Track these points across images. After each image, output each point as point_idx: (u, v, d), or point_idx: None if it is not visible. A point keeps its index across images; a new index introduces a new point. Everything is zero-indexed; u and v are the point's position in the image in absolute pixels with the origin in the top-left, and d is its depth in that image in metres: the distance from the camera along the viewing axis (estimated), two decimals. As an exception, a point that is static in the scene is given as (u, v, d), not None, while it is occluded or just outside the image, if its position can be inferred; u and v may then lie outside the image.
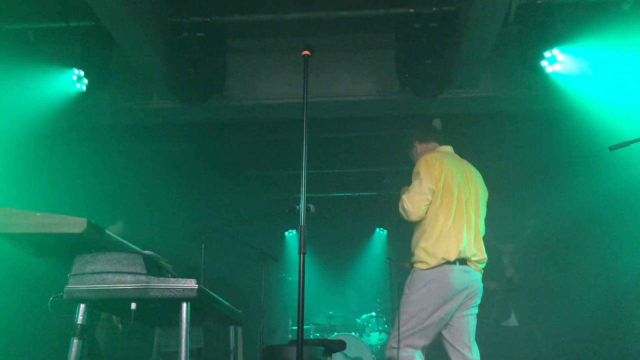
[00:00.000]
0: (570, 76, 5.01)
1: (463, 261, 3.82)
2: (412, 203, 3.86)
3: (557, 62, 4.96)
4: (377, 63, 5.77)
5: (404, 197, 3.93)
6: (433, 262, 3.79)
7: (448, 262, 3.78)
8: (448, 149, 4.33)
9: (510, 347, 6.01)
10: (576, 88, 5.08)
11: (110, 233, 2.44)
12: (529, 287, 6.11)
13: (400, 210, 3.93)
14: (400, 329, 3.76)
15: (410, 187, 3.94)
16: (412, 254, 3.96)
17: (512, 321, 6.08)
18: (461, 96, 5.71)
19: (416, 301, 3.79)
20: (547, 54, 4.93)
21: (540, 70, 5.00)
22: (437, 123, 4.67)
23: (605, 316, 6.34)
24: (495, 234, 6.44)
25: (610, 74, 4.99)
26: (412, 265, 3.94)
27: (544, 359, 6.19)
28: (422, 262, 3.84)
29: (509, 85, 5.69)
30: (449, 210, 3.88)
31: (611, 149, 3.28)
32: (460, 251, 3.81)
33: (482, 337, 6.33)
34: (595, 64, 4.96)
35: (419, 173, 3.93)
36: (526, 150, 6.80)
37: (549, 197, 6.95)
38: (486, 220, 6.61)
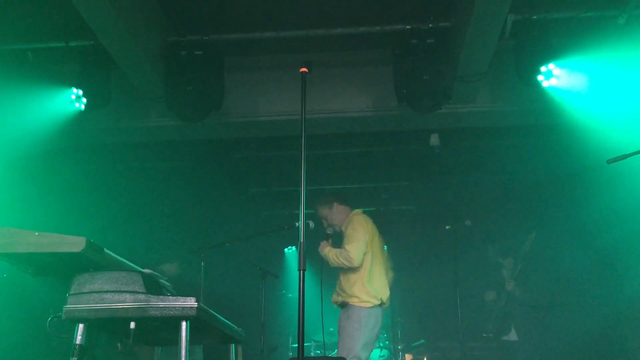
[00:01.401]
0: (566, 90, 5.04)
1: (384, 303, 4.86)
2: (357, 253, 4.68)
3: (554, 76, 4.98)
4: (374, 79, 5.80)
5: (347, 247, 4.70)
6: (373, 302, 4.73)
7: (381, 304, 4.79)
8: (360, 211, 5.13)
9: None
10: (573, 102, 5.10)
11: (110, 253, 2.44)
12: (529, 301, 6.08)
13: (341, 260, 4.70)
14: None
15: (351, 240, 4.74)
16: (345, 293, 4.78)
17: (512, 335, 6.04)
18: (458, 111, 5.73)
19: (357, 337, 4.63)
20: (543, 68, 4.96)
21: (537, 84, 5.02)
22: (434, 138, 4.73)
23: (607, 331, 6.32)
24: (494, 248, 6.44)
25: (607, 88, 5.02)
26: (344, 303, 4.80)
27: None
28: (363, 301, 4.71)
29: (505, 99, 5.71)
30: (378, 259, 4.90)
31: (609, 162, 3.29)
32: (387, 296, 4.87)
33: (482, 352, 6.32)
34: (592, 78, 4.99)
35: (355, 229, 4.78)
36: (524, 164, 6.81)
37: (548, 211, 6.95)
38: (486, 233, 6.62)
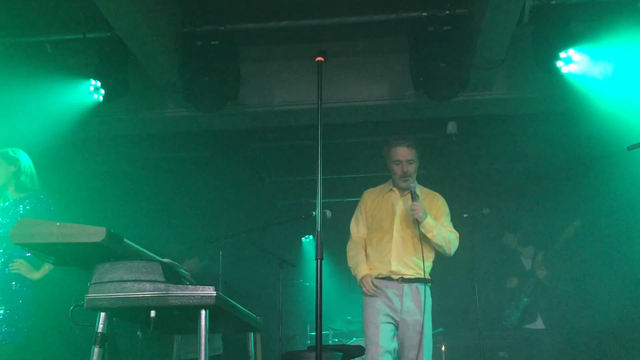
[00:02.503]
0: (586, 76, 4.97)
1: None
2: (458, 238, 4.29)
3: (573, 62, 4.91)
4: (390, 67, 5.76)
5: (454, 235, 4.26)
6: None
7: None
8: None
9: (535, 351, 5.92)
10: (593, 88, 5.03)
11: (130, 242, 2.46)
12: (557, 290, 6.01)
13: (450, 242, 4.23)
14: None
15: (449, 226, 4.31)
16: (421, 269, 4.17)
17: (538, 324, 5.98)
18: (476, 99, 5.68)
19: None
20: (562, 54, 4.89)
21: (556, 71, 4.95)
22: (452, 126, 4.68)
23: (636, 321, 6.20)
24: (514, 236, 6.39)
25: (627, 73, 4.93)
26: (426, 281, 4.20)
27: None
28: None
29: (524, 87, 5.65)
30: None
31: (629, 149, 3.24)
32: None
33: (502, 340, 6.28)
34: (612, 63, 4.91)
35: (448, 211, 4.39)
36: (542, 152, 6.74)
37: (568, 200, 6.88)
38: (504, 222, 6.56)
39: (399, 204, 4.34)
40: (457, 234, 4.26)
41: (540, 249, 6.06)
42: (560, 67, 4.93)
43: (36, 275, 4.16)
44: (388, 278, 4.16)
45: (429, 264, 4.22)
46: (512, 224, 6.57)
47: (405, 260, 4.16)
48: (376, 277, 4.21)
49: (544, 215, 6.81)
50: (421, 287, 4.13)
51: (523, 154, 7.04)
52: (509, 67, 5.52)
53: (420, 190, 4.29)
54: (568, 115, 5.88)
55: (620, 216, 6.25)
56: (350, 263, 4.36)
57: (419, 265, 4.15)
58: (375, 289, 4.15)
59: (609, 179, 5.98)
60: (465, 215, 5.62)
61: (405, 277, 4.13)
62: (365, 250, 4.34)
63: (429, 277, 4.21)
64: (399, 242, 4.20)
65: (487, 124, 6.52)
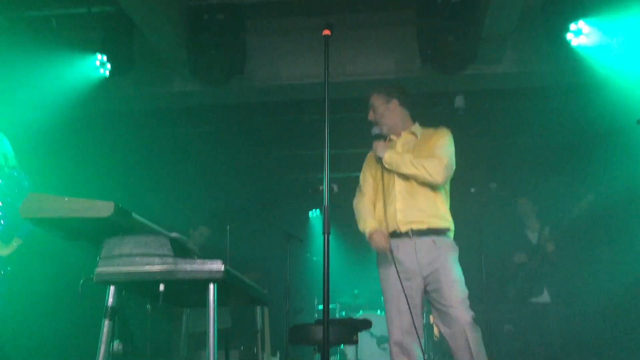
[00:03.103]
0: (596, 48, 4.90)
1: None
2: (448, 162, 3.57)
3: (583, 34, 4.85)
4: (398, 41, 5.71)
5: (446, 160, 3.55)
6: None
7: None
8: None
9: (541, 324, 5.95)
10: (603, 60, 4.97)
11: (138, 217, 2.48)
12: (565, 264, 6.00)
13: (430, 167, 3.52)
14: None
15: (447, 152, 3.61)
16: (436, 218, 3.57)
17: (545, 297, 6.00)
18: (484, 72, 5.63)
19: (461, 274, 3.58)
20: (572, 26, 4.83)
21: (566, 43, 4.90)
22: (459, 100, 4.59)
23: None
24: (522, 208, 6.37)
25: (638, 45, 4.87)
26: (439, 231, 3.57)
27: (577, 337, 6.10)
28: (451, 230, 3.65)
29: (533, 60, 5.59)
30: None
31: (639, 122, 3.21)
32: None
33: (508, 314, 6.31)
34: (622, 35, 4.84)
35: (448, 140, 3.68)
36: (551, 125, 6.69)
37: (577, 174, 6.84)
38: (512, 196, 6.44)
39: (398, 144, 3.85)
40: (444, 161, 3.55)
41: (547, 224, 6.04)
42: (570, 40, 4.87)
43: (5, 251, 4.16)
44: (396, 233, 3.59)
45: (444, 212, 3.65)
46: (520, 198, 6.55)
47: (414, 209, 3.59)
48: None
49: (553, 189, 6.78)
50: (439, 239, 3.55)
51: (531, 128, 6.98)
52: (517, 40, 5.45)
53: (421, 132, 3.77)
54: (577, 89, 5.82)
55: (629, 190, 6.21)
56: (358, 220, 3.79)
57: (432, 213, 3.58)
58: (386, 243, 3.53)
59: (618, 153, 5.93)
60: (472, 190, 5.60)
61: (415, 228, 3.55)
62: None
63: (447, 227, 3.62)
64: (404, 189, 3.64)
65: (496, 98, 6.47)
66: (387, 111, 3.77)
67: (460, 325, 3.33)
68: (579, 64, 5.09)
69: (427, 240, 3.54)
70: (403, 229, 3.56)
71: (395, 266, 3.44)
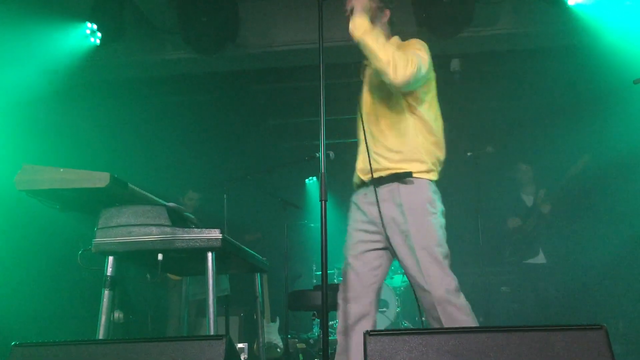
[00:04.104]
0: (593, 8, 4.85)
1: None
2: (418, 65, 2.80)
3: (580, -7, 4.79)
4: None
5: (416, 61, 2.79)
6: (438, 172, 3.01)
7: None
8: None
9: (537, 285, 6.02)
10: (600, 21, 4.91)
11: (134, 187, 2.47)
12: (560, 224, 6.03)
13: (399, 62, 2.75)
14: (444, 262, 2.82)
15: (419, 56, 2.86)
16: (405, 156, 2.92)
17: (540, 258, 6.05)
18: (480, 34, 5.56)
19: (441, 225, 2.90)
20: (569, -15, 4.77)
21: (562, 3, 4.85)
22: (455, 64, 4.52)
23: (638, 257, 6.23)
24: (522, 175, 6.37)
25: (636, 4, 4.81)
26: (406, 173, 2.90)
27: (574, 296, 6.17)
28: (432, 170, 2.95)
29: (529, 20, 5.52)
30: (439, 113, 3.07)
31: (636, 82, 3.19)
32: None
33: (504, 276, 6.38)
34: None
35: (422, 48, 2.96)
36: (548, 87, 6.65)
37: (574, 136, 6.83)
38: (511, 159, 6.35)
39: (366, 75, 3.30)
40: (417, 60, 2.81)
41: (543, 186, 6.06)
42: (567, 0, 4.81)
43: None
44: (359, 184, 3.11)
45: (416, 145, 2.93)
46: (516, 161, 6.56)
47: (378, 148, 2.99)
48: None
49: (550, 151, 6.78)
50: (404, 186, 2.88)
51: (528, 91, 6.95)
52: (514, 1, 5.38)
53: (398, 45, 3.05)
54: (574, 50, 5.77)
55: (627, 150, 6.21)
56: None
57: (398, 151, 2.93)
58: None
59: (616, 113, 5.91)
60: (468, 154, 5.59)
61: (376, 174, 2.94)
62: None
63: (413, 168, 2.90)
64: (368, 122, 3.09)
65: (492, 61, 6.41)
66: (377, 18, 3.10)
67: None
68: (575, 24, 5.04)
69: (389, 188, 2.97)
70: (364, 176, 3.09)
71: None
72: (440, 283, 2.78)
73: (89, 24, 5.17)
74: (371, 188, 2.96)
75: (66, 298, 5.69)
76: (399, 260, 2.93)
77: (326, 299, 2.36)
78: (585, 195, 6.56)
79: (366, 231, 3.03)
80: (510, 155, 6.74)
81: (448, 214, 2.96)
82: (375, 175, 2.95)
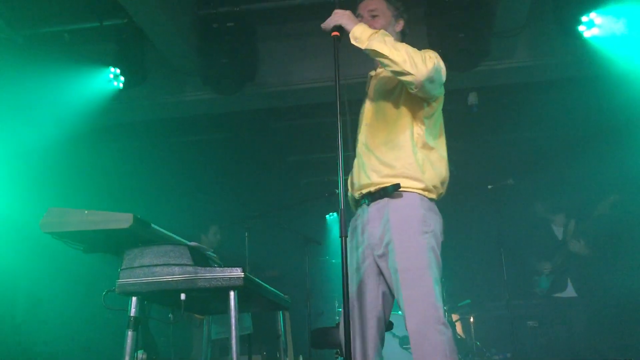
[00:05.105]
0: (609, 40, 4.85)
1: None
2: (436, 62, 2.73)
3: (595, 26, 4.80)
4: (408, 40, 5.67)
5: (434, 61, 2.72)
6: (439, 191, 2.82)
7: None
8: None
9: (565, 319, 5.88)
10: (616, 52, 4.92)
11: (157, 227, 2.50)
12: (590, 258, 5.91)
13: (415, 58, 2.66)
14: (431, 288, 2.51)
15: (434, 60, 2.76)
16: (397, 171, 2.71)
17: (569, 292, 5.92)
18: (497, 67, 5.58)
19: (433, 246, 2.62)
20: (584, 18, 4.79)
21: (578, 35, 4.86)
22: (472, 97, 4.52)
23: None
24: (543, 205, 6.31)
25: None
26: (395, 188, 2.67)
27: (603, 331, 6.01)
28: (429, 190, 2.73)
29: (545, 53, 5.54)
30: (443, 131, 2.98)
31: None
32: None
33: (531, 309, 6.24)
34: (635, 25, 4.79)
35: (435, 54, 2.84)
36: (566, 118, 6.62)
37: (595, 167, 6.77)
38: (530, 191, 6.29)
39: (371, 86, 3.19)
40: (433, 56, 2.79)
41: (572, 217, 5.97)
42: (582, 32, 4.83)
43: None
44: (355, 201, 2.90)
45: (412, 162, 2.72)
46: (538, 193, 6.50)
47: (374, 162, 2.79)
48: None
49: (572, 183, 6.72)
50: (393, 200, 2.67)
51: (547, 122, 6.93)
52: (529, 34, 5.41)
53: None
54: (592, 81, 5.76)
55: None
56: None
57: (390, 165, 2.73)
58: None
59: (636, 144, 5.86)
60: (489, 187, 5.57)
61: (365, 190, 2.78)
62: None
63: (404, 183, 2.67)
64: (366, 135, 2.98)
65: (509, 93, 6.42)
66: (390, 26, 3.08)
67: None
68: (592, 56, 5.04)
69: (377, 205, 2.79)
70: (357, 194, 2.92)
71: None
72: (417, 311, 2.49)
73: (112, 69, 5.31)
74: (364, 207, 2.79)
75: (90, 339, 5.71)
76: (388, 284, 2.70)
77: (349, 336, 2.33)
78: (615, 230, 6.44)
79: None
80: (531, 187, 6.69)
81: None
82: (364, 191, 2.79)
